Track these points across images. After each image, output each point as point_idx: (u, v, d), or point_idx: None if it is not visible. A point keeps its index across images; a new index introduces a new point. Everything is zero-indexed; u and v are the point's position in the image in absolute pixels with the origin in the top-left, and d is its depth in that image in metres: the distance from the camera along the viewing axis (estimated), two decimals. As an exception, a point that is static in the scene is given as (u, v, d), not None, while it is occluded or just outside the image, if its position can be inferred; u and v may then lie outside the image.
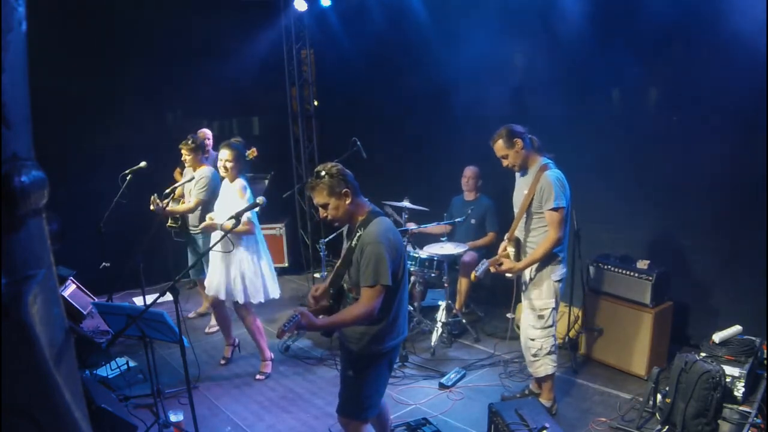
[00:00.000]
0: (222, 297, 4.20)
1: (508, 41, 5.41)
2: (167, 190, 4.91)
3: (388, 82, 6.66)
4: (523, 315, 3.67)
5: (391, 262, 2.45)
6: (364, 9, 6.45)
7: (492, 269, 3.53)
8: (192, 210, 4.84)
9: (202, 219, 4.88)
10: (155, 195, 4.68)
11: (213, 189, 4.74)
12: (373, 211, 2.62)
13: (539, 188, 3.36)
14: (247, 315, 4.28)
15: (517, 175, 3.61)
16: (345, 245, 2.74)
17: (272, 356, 4.50)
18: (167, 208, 4.76)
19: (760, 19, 3.58)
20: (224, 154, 4.07)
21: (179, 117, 7.16)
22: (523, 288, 3.62)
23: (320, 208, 2.58)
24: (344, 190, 2.52)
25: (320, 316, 2.59)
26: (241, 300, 4.15)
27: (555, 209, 3.31)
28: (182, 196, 5.08)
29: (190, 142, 4.81)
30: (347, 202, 2.54)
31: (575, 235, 4.18)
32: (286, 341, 4.95)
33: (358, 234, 2.55)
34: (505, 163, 3.50)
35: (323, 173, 2.52)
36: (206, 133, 5.97)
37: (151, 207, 4.71)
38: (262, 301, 4.23)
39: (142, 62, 6.15)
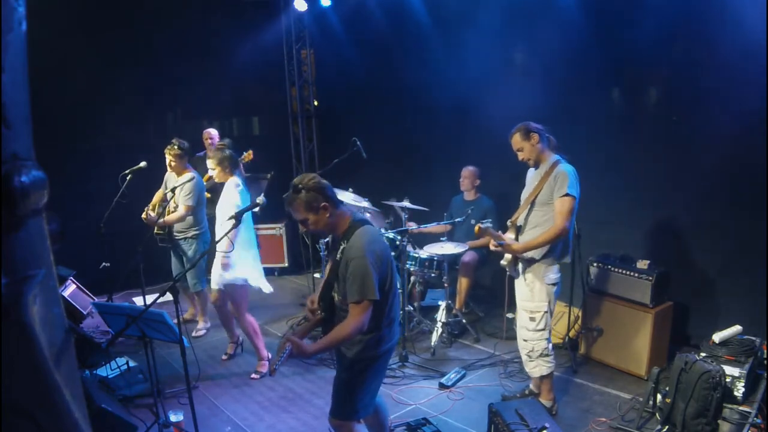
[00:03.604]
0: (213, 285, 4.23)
1: (508, 41, 5.42)
2: (163, 198, 4.94)
3: (388, 82, 6.66)
4: (517, 315, 3.68)
5: (377, 275, 2.41)
6: (364, 9, 6.45)
7: (492, 244, 3.54)
8: (183, 218, 4.82)
9: (192, 224, 4.92)
10: (147, 208, 4.76)
11: (199, 194, 4.80)
12: (354, 220, 2.56)
13: (553, 176, 3.37)
14: (230, 305, 4.31)
15: (529, 171, 3.64)
16: (330, 256, 2.70)
17: (269, 355, 4.50)
18: (161, 219, 4.76)
19: (761, 19, 3.58)
20: (208, 163, 4.22)
21: (179, 117, 7.17)
22: (516, 276, 3.61)
23: (300, 224, 2.55)
24: (322, 204, 2.46)
25: (309, 340, 2.58)
26: (231, 279, 4.14)
27: (567, 195, 3.30)
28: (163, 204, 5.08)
29: (176, 147, 4.78)
30: (327, 215, 2.48)
31: (575, 236, 4.19)
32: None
33: (342, 246, 2.51)
34: (520, 156, 3.54)
35: (300, 187, 2.45)
36: (210, 132, 5.94)
37: (143, 216, 4.74)
38: (244, 282, 4.21)
39: (142, 62, 6.16)
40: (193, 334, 5.22)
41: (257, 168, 6.92)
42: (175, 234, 4.98)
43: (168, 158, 4.83)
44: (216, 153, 4.19)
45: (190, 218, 4.87)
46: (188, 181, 4.75)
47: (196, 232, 4.93)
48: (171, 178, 5.02)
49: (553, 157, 3.48)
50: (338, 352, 2.72)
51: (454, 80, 5.77)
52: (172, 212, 4.83)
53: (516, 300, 3.67)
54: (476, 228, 3.54)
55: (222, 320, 4.64)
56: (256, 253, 4.34)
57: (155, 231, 4.94)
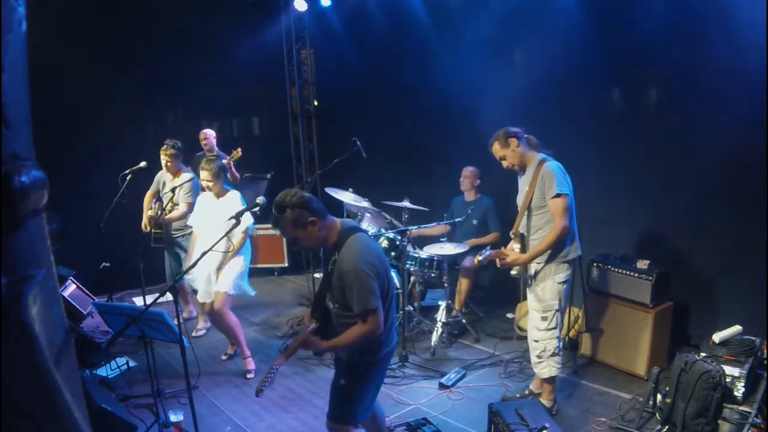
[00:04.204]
0: (204, 298, 4.28)
1: (508, 41, 5.42)
2: (157, 197, 4.95)
3: (388, 82, 6.66)
4: (529, 315, 3.67)
5: (374, 284, 2.40)
6: (364, 9, 6.45)
7: (498, 263, 3.54)
8: (185, 215, 4.87)
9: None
10: (156, 204, 4.73)
11: (195, 192, 4.85)
12: (345, 229, 2.51)
13: (540, 178, 3.35)
14: (224, 310, 4.28)
15: (519, 176, 3.63)
16: (323, 267, 2.68)
17: (250, 353, 4.49)
18: (166, 217, 4.82)
19: (761, 19, 3.58)
20: (203, 175, 4.19)
21: (179, 117, 7.16)
22: (529, 284, 3.61)
23: (291, 243, 2.51)
24: (310, 219, 2.40)
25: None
26: (231, 291, 4.20)
27: (558, 195, 3.29)
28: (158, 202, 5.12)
29: (171, 147, 4.85)
30: (316, 230, 2.43)
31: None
32: (287, 340, 4.97)
33: (333, 258, 2.48)
34: (504, 164, 3.52)
35: (284, 205, 2.39)
36: (206, 133, 5.95)
37: (150, 213, 4.74)
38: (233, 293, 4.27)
39: (142, 62, 6.16)
40: (193, 334, 5.22)
41: (257, 168, 6.92)
42: (172, 232, 4.99)
43: (164, 159, 4.89)
44: (211, 165, 4.13)
45: (189, 215, 4.91)
46: (187, 181, 4.82)
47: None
48: (165, 178, 5.04)
49: (537, 157, 3.46)
50: (336, 356, 2.72)
51: (454, 80, 5.76)
52: (170, 211, 4.86)
53: (528, 302, 3.66)
54: (475, 260, 3.61)
55: (216, 325, 4.64)
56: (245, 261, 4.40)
57: (153, 230, 4.95)
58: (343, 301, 2.46)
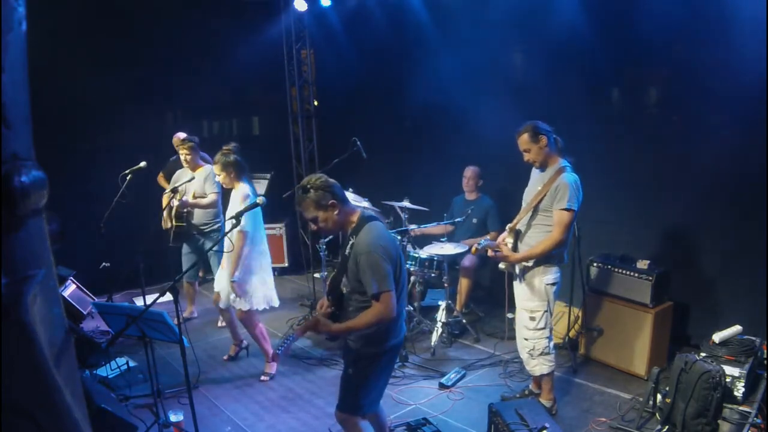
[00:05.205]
0: (224, 303, 4.26)
1: (508, 41, 5.42)
2: (171, 188, 4.92)
3: (388, 82, 6.66)
4: (517, 315, 3.68)
5: (388, 267, 2.49)
6: (364, 9, 6.45)
7: (490, 253, 3.57)
8: (215, 203, 4.91)
9: (215, 216, 4.96)
10: (177, 190, 4.73)
11: (214, 180, 4.86)
12: (363, 217, 2.64)
13: (554, 187, 3.36)
14: (250, 320, 4.27)
15: (534, 171, 3.62)
16: (339, 251, 2.78)
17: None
18: (191, 201, 4.82)
19: (761, 18, 3.58)
20: (214, 168, 4.20)
21: (179, 117, 7.16)
22: (515, 279, 3.62)
23: (310, 222, 2.66)
24: (331, 202, 2.56)
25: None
26: (245, 307, 4.15)
27: (566, 209, 3.30)
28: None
29: (187, 141, 4.89)
30: (335, 213, 2.59)
31: (575, 237, 4.18)
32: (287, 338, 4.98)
33: (350, 242, 2.60)
34: (526, 157, 3.51)
35: (308, 186, 2.57)
36: (179, 137, 5.88)
37: (174, 201, 4.72)
38: (266, 307, 4.27)
39: (142, 62, 6.15)
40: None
41: (257, 168, 6.91)
42: (201, 227, 4.99)
43: (183, 153, 4.88)
44: (220, 158, 4.11)
45: (213, 210, 4.96)
46: (210, 171, 4.83)
47: (219, 222, 5.03)
48: (182, 176, 5.02)
49: (559, 162, 3.45)
50: (346, 346, 2.78)
51: (454, 80, 5.77)
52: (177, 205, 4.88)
53: (515, 300, 3.67)
54: (473, 249, 3.63)
55: (226, 322, 4.65)
56: (263, 275, 4.26)
57: (176, 224, 4.92)
58: (357, 285, 2.55)
